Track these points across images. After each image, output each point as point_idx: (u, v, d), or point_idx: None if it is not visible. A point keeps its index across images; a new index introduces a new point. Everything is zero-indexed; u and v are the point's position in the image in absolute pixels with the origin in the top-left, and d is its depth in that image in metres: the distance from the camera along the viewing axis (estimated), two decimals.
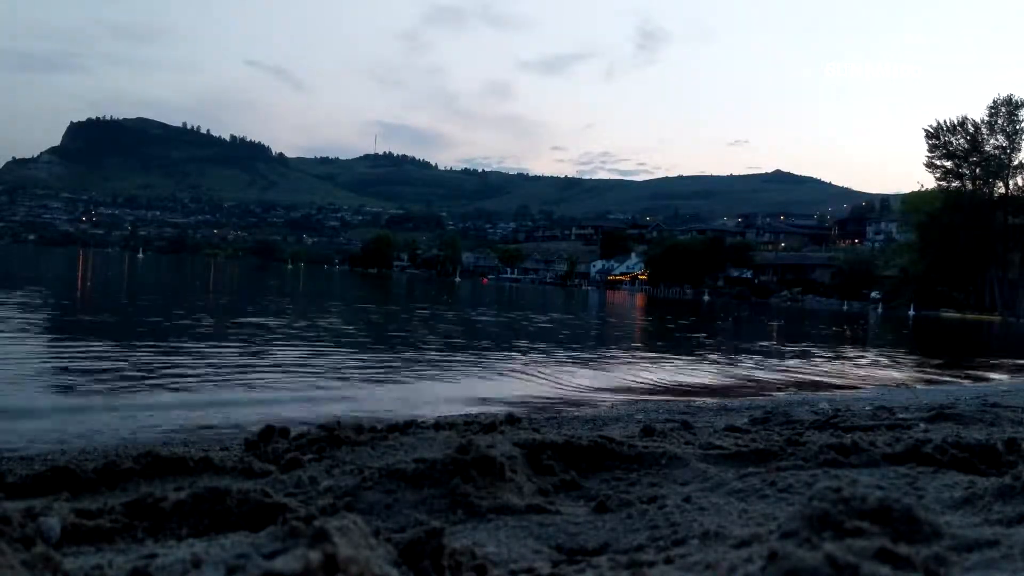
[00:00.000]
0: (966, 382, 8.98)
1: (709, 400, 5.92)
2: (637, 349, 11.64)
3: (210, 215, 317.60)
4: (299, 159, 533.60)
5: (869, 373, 9.47)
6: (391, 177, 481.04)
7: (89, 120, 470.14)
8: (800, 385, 7.60)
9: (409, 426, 2.93)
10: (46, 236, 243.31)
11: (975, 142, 64.77)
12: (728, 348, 12.49)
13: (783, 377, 8.34)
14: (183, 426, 3.93)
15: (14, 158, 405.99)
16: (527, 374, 7.13)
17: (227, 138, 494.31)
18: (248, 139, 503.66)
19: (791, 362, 10.44)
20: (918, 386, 8.10)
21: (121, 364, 5.97)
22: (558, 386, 6.46)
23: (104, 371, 5.56)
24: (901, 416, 4.10)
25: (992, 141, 64.52)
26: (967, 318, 51.42)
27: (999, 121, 64.38)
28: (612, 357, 9.87)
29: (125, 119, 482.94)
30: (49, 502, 1.63)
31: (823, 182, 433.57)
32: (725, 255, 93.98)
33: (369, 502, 1.83)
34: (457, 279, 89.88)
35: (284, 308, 15.81)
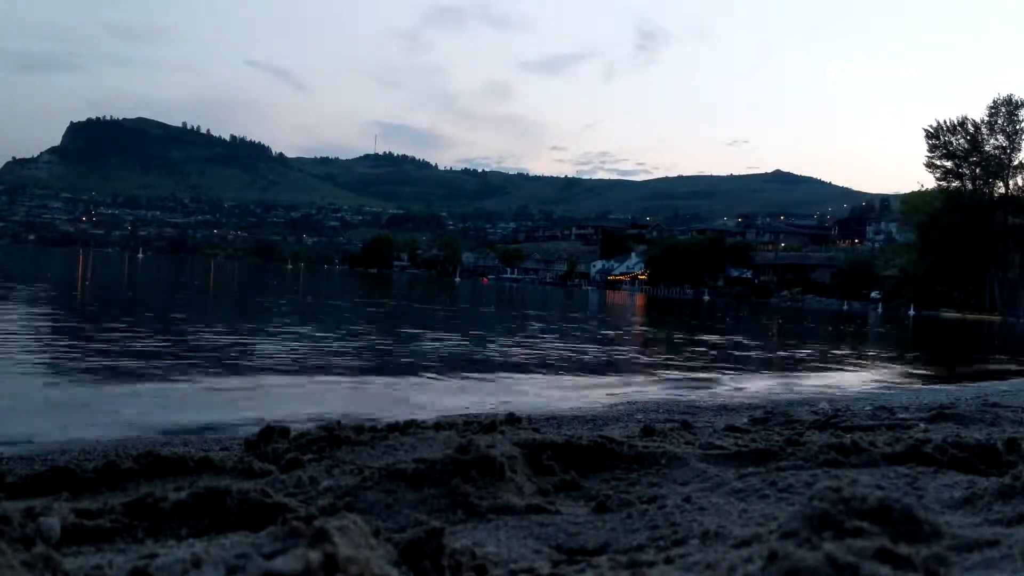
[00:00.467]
0: (966, 382, 8.98)
1: (709, 400, 5.92)
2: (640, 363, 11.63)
3: (210, 215, 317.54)
4: (299, 159, 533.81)
5: (869, 373, 9.47)
6: (391, 177, 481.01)
7: (89, 120, 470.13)
8: (800, 385, 7.60)
9: (409, 426, 2.93)
10: (46, 236, 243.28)
11: (975, 142, 64.79)
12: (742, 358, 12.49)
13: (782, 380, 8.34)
14: (183, 426, 3.93)
15: (14, 158, 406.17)
16: (528, 374, 7.13)
17: (227, 138, 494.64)
18: (248, 139, 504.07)
19: (790, 362, 10.44)
20: (918, 386, 8.10)
21: (121, 364, 5.97)
22: (557, 387, 6.46)
23: (104, 371, 5.57)
24: (901, 416, 4.10)
25: (992, 141, 64.60)
26: (967, 318, 51.42)
27: (999, 121, 64.43)
28: (612, 363, 9.87)
29: (125, 119, 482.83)
30: (49, 502, 1.62)
31: (823, 182, 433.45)
32: (725, 255, 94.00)
33: (369, 502, 1.83)
34: (457, 279, 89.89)
35: (284, 308, 15.81)
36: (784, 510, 1.75)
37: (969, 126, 65.21)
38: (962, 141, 65.50)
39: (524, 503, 1.87)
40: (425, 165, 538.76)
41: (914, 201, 70.36)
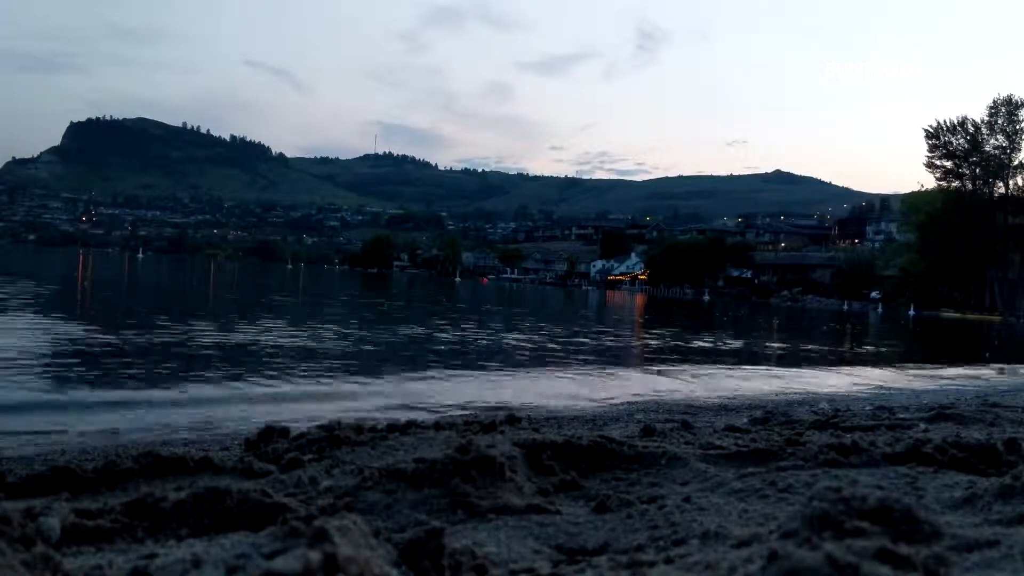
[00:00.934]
0: (966, 382, 8.98)
1: (709, 400, 5.92)
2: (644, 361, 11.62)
3: (210, 215, 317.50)
4: (299, 159, 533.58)
5: (869, 373, 9.47)
6: (391, 177, 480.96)
7: (89, 120, 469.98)
8: (800, 385, 7.60)
9: (409, 426, 2.93)
10: (46, 236, 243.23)
11: (975, 142, 64.77)
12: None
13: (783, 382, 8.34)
14: (183, 426, 3.93)
15: (14, 158, 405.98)
16: (528, 374, 7.13)
17: (227, 138, 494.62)
18: (248, 139, 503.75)
19: (790, 362, 10.44)
20: (918, 386, 8.10)
21: (121, 363, 5.97)
22: (557, 387, 6.46)
23: (103, 370, 5.57)
24: (901, 416, 4.10)
25: (992, 141, 64.57)
26: (967, 318, 51.40)
27: (999, 121, 64.40)
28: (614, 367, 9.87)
29: (125, 119, 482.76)
30: (49, 502, 1.62)
31: (823, 182, 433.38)
32: (725, 255, 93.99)
33: (369, 502, 1.83)
34: (457, 279, 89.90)
35: (284, 308, 15.81)
36: (784, 510, 1.75)
37: (969, 126, 65.22)
38: (962, 141, 65.48)
39: (524, 503, 1.87)
40: (425, 165, 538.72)
41: (914, 201, 70.37)
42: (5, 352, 6.17)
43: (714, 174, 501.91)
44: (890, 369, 10.25)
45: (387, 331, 11.75)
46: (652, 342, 13.83)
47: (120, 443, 3.38)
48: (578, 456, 2.33)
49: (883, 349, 15.55)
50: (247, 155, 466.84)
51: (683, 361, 9.48)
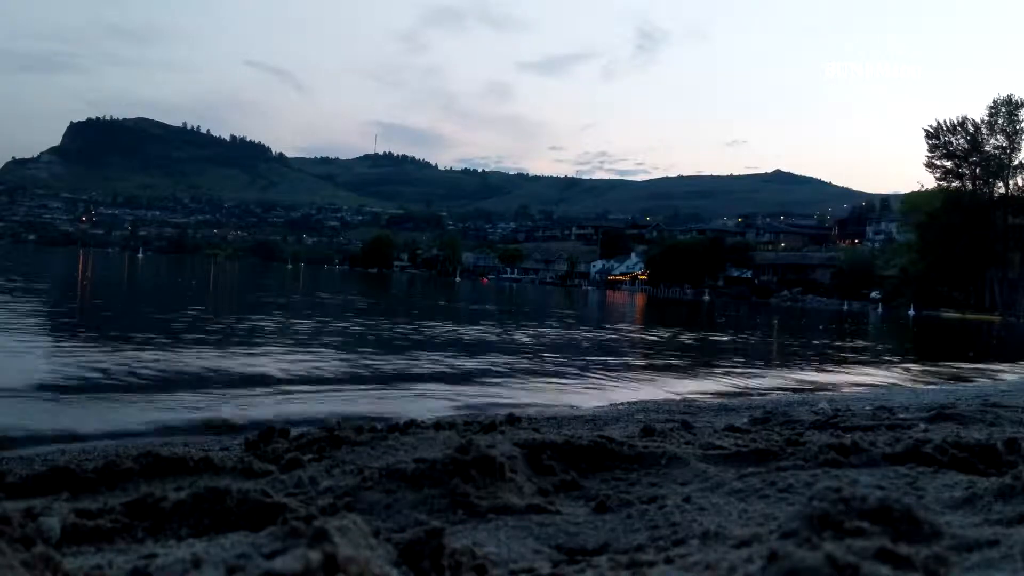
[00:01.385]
0: (966, 382, 8.98)
1: (709, 400, 5.92)
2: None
3: (210, 215, 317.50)
4: (299, 159, 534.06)
5: (869, 373, 9.47)
6: (391, 177, 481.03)
7: (89, 120, 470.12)
8: (800, 385, 7.60)
9: (409, 426, 2.93)
10: (46, 236, 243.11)
11: (975, 142, 64.81)
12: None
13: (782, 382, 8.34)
14: (183, 426, 3.93)
15: (14, 158, 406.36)
16: (527, 374, 7.13)
17: (227, 138, 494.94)
18: (248, 139, 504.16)
19: (790, 362, 10.44)
20: (918, 386, 8.10)
21: (121, 363, 5.96)
22: (557, 387, 6.46)
23: (103, 370, 5.56)
24: (901, 416, 4.10)
25: (992, 141, 64.63)
26: (967, 318, 51.41)
27: (999, 121, 64.46)
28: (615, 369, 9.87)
29: (125, 119, 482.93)
30: (49, 502, 1.62)
31: (823, 182, 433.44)
32: (725, 255, 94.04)
33: (369, 502, 1.83)
34: (457, 279, 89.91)
35: (284, 308, 15.81)
36: (784, 510, 1.75)
37: (969, 126, 65.28)
38: (962, 141, 65.53)
39: (524, 503, 1.87)
40: (425, 165, 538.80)
41: (914, 201, 70.42)
42: (5, 352, 6.17)
43: (714, 174, 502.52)
44: (890, 369, 10.25)
45: (387, 331, 11.75)
46: (652, 342, 13.83)
47: (120, 443, 3.38)
48: (578, 456, 2.33)
49: (883, 349, 15.55)
50: (247, 155, 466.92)
51: (683, 361, 9.48)
